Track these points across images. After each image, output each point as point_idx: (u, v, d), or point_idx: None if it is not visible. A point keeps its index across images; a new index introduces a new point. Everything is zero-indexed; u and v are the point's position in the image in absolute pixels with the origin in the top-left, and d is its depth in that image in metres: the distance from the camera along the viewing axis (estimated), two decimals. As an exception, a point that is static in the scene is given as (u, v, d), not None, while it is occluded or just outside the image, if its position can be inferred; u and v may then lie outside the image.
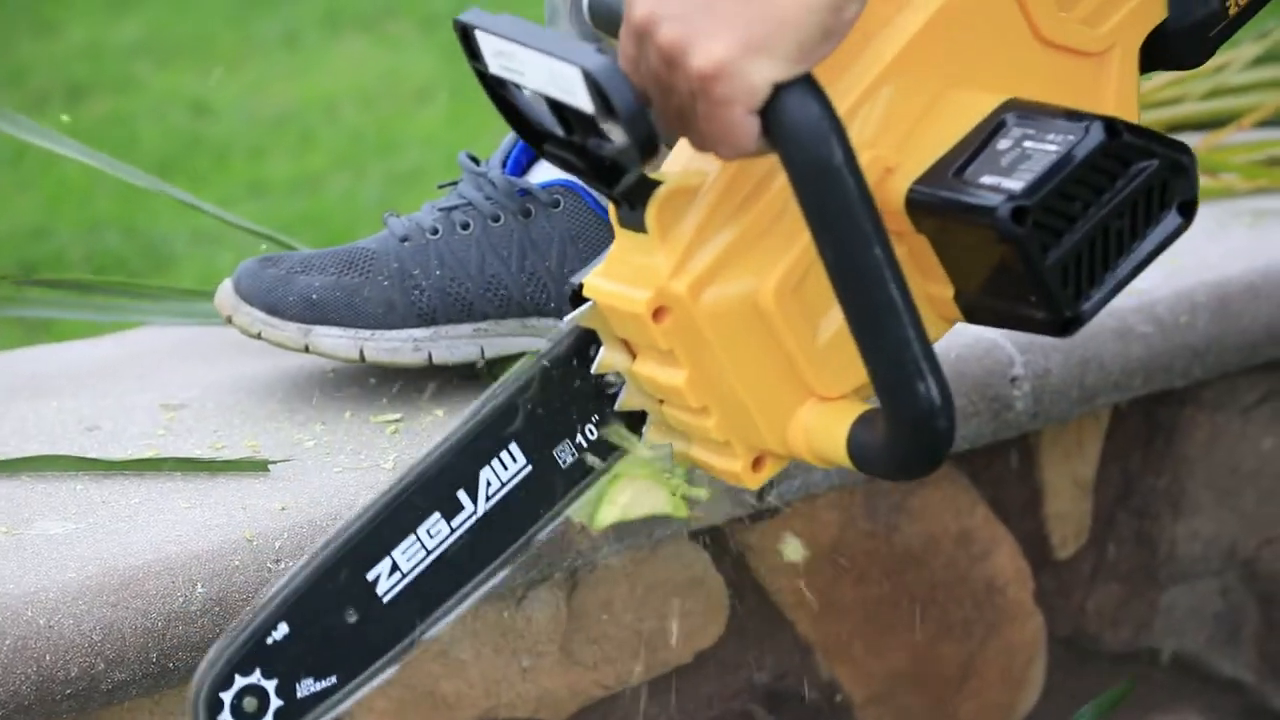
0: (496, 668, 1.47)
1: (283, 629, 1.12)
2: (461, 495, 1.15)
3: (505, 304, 1.50)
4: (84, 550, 1.31)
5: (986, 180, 1.10)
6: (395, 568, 1.14)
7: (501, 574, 1.18)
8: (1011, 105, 1.14)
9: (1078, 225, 1.10)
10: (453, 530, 1.15)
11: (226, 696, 1.11)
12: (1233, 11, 1.24)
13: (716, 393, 1.15)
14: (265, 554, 1.33)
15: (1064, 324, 1.11)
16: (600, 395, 1.20)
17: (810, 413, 1.15)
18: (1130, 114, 1.20)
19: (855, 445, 1.13)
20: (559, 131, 1.12)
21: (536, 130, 1.15)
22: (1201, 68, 1.27)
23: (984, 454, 1.67)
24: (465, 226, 1.51)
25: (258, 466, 1.41)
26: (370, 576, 1.14)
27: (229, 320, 1.50)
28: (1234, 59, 2.04)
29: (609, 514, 1.28)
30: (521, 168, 1.54)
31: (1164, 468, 1.79)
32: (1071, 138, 1.10)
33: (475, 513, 1.16)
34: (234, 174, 3.47)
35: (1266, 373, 1.81)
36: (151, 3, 4.40)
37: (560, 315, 1.50)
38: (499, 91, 1.15)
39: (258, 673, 1.11)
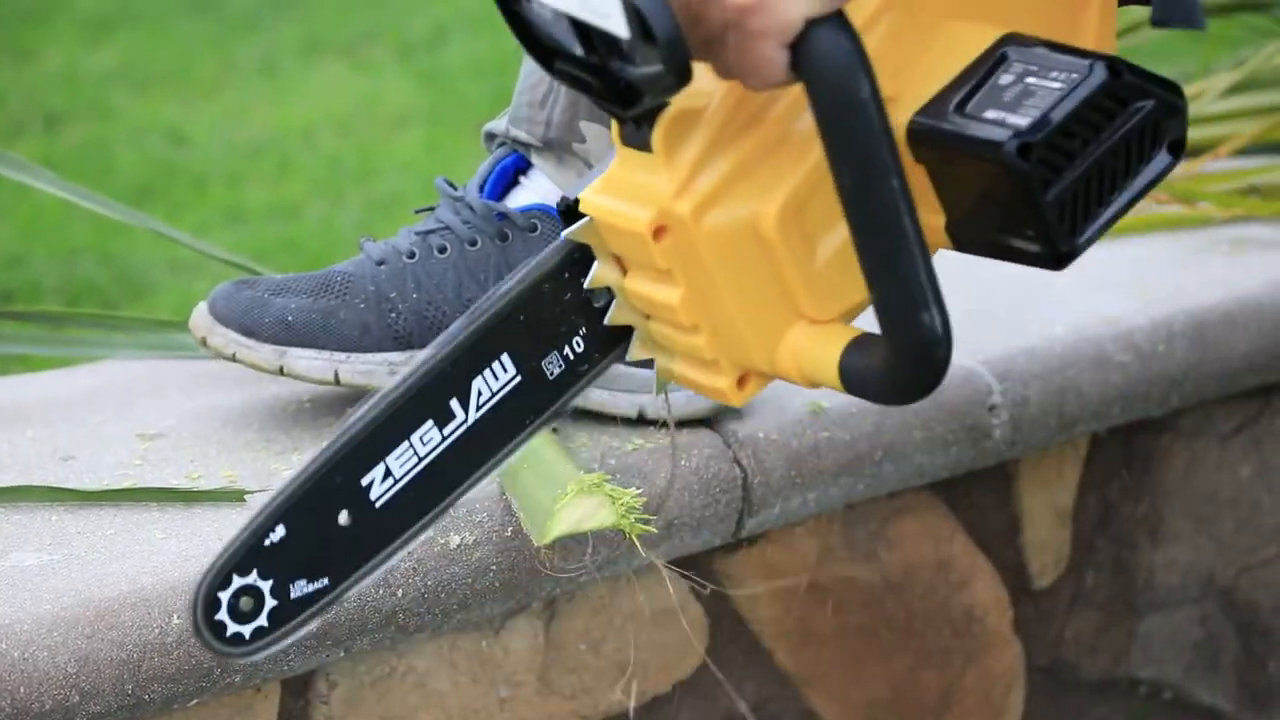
0: (474, 698, 1.47)
1: (280, 531, 1.14)
2: (454, 404, 1.18)
3: None
4: (59, 582, 1.31)
5: (991, 115, 1.12)
6: (389, 473, 1.16)
7: (484, 481, 1.20)
8: (1011, 39, 1.16)
9: (1077, 162, 1.12)
10: (444, 438, 1.18)
11: (224, 596, 1.13)
12: None
13: (709, 312, 1.17)
14: (242, 585, 1.32)
15: (1058, 258, 1.13)
16: (588, 308, 1.22)
17: (800, 334, 1.17)
18: (1111, 24, 1.22)
19: (847, 369, 1.15)
20: (577, 50, 1.13)
21: (546, 46, 1.15)
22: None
23: (962, 482, 1.67)
24: (442, 250, 1.51)
25: (234, 497, 1.41)
26: (365, 481, 1.16)
27: (204, 342, 1.49)
28: (1209, 88, 2.04)
29: (556, 528, 1.33)
30: (499, 192, 1.54)
31: (1142, 496, 1.79)
32: (1075, 75, 1.12)
33: (466, 421, 1.18)
34: (212, 201, 3.46)
35: (1244, 401, 1.82)
36: (128, 30, 4.40)
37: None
38: (510, 5, 1.15)
39: (254, 573, 1.14)
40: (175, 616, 1.30)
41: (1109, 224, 1.14)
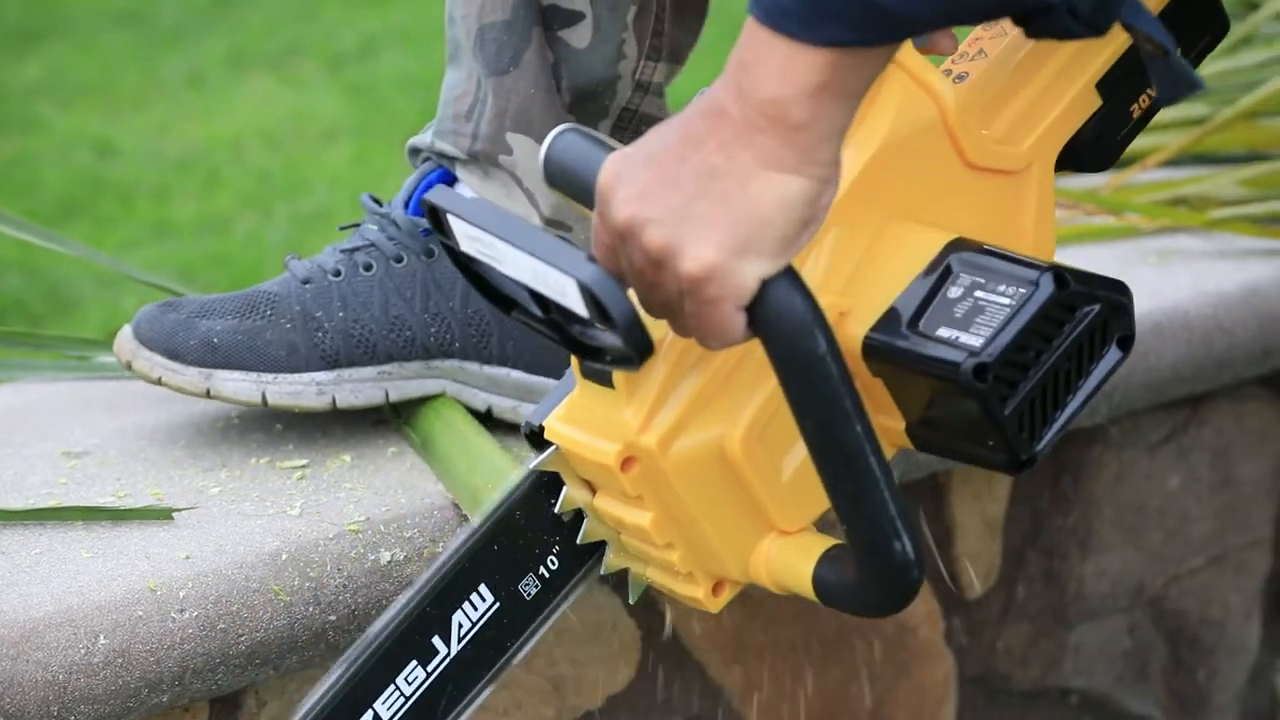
0: (405, 716, 1.46)
1: None
2: (436, 641, 1.21)
3: (409, 345, 1.49)
4: (-17, 602, 1.29)
5: (944, 333, 1.14)
6: (377, 718, 1.19)
7: (474, 705, 1.23)
8: (956, 246, 1.18)
9: (1031, 374, 1.14)
10: (429, 675, 1.21)
11: None
12: (1136, 116, 1.29)
13: (680, 531, 1.20)
14: (169, 604, 1.31)
15: (1019, 465, 1.16)
16: (560, 527, 1.25)
17: (772, 546, 1.20)
18: (1049, 223, 1.24)
19: (821, 582, 1.18)
20: (535, 312, 1.15)
21: (503, 298, 1.18)
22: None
23: (894, 494, 1.67)
24: (368, 268, 1.50)
25: (162, 515, 1.40)
26: None
27: (129, 366, 1.48)
28: (1137, 100, 2.05)
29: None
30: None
31: (1072, 507, 1.80)
32: (1023, 291, 1.14)
33: (449, 654, 1.21)
34: (139, 215, 3.43)
35: (1172, 411, 1.83)
36: (53, 43, 4.36)
37: (464, 355, 1.50)
38: (465, 262, 1.17)
39: None
40: (102, 637, 1.28)
41: (1066, 425, 1.16)
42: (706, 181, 1.06)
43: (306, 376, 1.48)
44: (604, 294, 1.07)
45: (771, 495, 1.19)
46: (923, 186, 1.20)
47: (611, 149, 1.12)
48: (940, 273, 1.16)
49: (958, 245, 1.17)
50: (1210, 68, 2.10)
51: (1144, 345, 1.74)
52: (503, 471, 1.39)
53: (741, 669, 1.62)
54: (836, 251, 1.16)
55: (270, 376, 1.47)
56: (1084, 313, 1.15)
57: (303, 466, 1.47)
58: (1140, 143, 2.02)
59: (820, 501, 1.16)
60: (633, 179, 1.08)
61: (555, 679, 1.52)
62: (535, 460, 1.22)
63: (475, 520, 1.23)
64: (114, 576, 1.32)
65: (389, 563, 1.38)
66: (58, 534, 1.38)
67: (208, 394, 1.47)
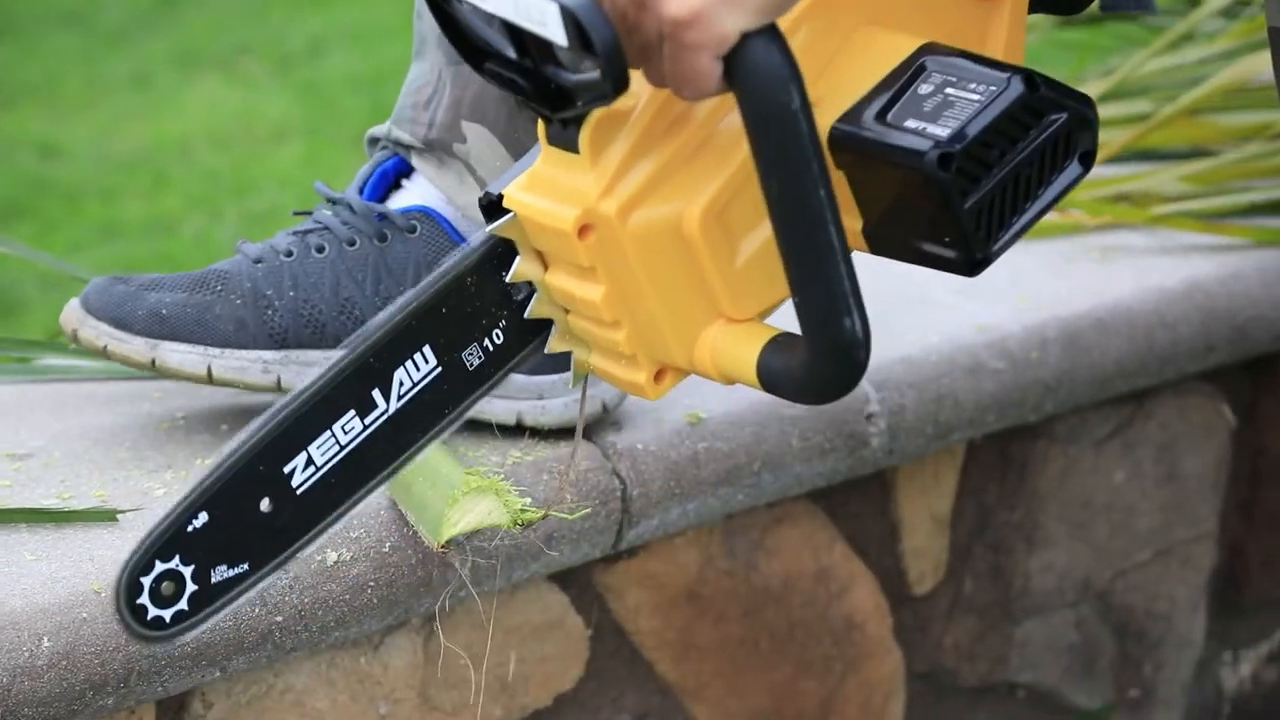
0: (354, 715, 1.46)
1: (202, 517, 1.16)
2: (376, 394, 1.20)
3: (359, 327, 1.49)
4: (-74, 606, 1.28)
5: (911, 124, 1.15)
6: (310, 461, 1.19)
7: (405, 468, 1.23)
8: (929, 49, 1.19)
9: (994, 172, 1.15)
10: (366, 427, 1.20)
11: (146, 580, 1.15)
12: None
13: (629, 308, 1.19)
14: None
15: (973, 264, 1.17)
16: (509, 301, 1.24)
17: (719, 333, 1.20)
18: (1019, 58, 1.25)
19: (765, 369, 1.18)
20: (510, 53, 1.14)
21: (475, 46, 1.17)
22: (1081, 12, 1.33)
23: (841, 491, 1.67)
24: (320, 250, 1.50)
25: (106, 516, 1.39)
26: (287, 469, 1.18)
27: (75, 335, 1.47)
28: (1081, 96, 2.06)
29: (449, 529, 1.36)
30: (379, 195, 1.53)
31: (1018, 502, 1.80)
32: (993, 88, 1.15)
33: (388, 410, 1.21)
34: (86, 217, 3.42)
35: (1117, 406, 1.84)
36: (-2, 43, 4.34)
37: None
38: (440, 4, 1.16)
39: (177, 559, 1.16)
40: (46, 639, 1.28)
41: (1022, 231, 1.18)
42: None
43: (254, 354, 1.47)
44: (587, 18, 1.07)
45: (724, 278, 1.18)
46: None
47: None
48: (913, 71, 1.18)
49: (931, 48, 1.19)
50: (1153, 65, 2.11)
51: (1088, 341, 1.75)
52: (443, 472, 1.39)
53: (690, 667, 1.63)
54: (808, 47, 1.17)
55: (217, 351, 1.47)
56: (1050, 120, 1.16)
57: (248, 467, 1.47)
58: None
59: (771, 294, 1.18)
60: None
61: (503, 678, 1.52)
62: (491, 225, 1.21)
63: (426, 279, 1.22)
64: (58, 579, 1.32)
65: (335, 563, 1.38)
66: (1, 536, 1.37)
67: (153, 365, 1.46)
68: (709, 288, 1.19)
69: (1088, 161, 1.19)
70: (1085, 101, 1.18)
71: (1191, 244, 1.88)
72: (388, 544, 1.40)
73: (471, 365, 1.23)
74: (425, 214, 1.51)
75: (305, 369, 1.48)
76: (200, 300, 1.47)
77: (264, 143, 3.78)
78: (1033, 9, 1.27)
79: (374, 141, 1.56)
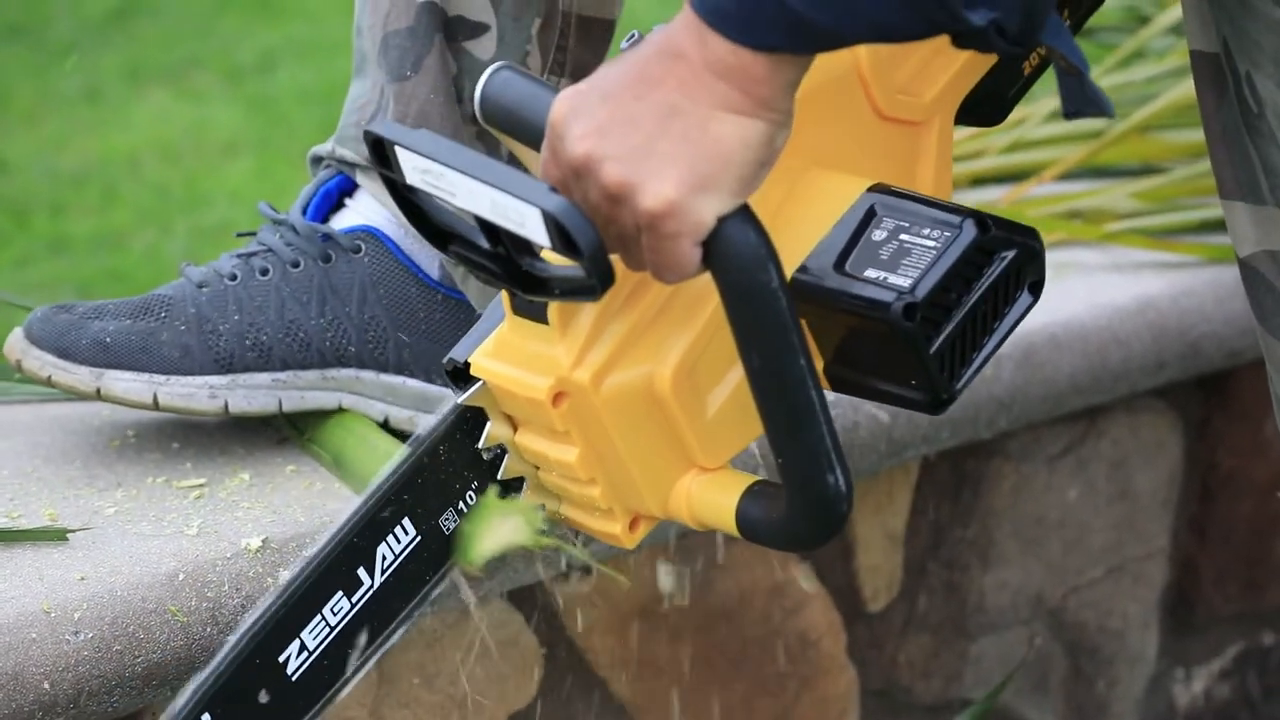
0: (306, 736, 1.44)
1: (205, 719, 1.19)
2: (361, 572, 1.23)
3: (305, 350, 1.48)
4: (-128, 626, 1.27)
5: (871, 274, 1.18)
6: (304, 647, 1.21)
7: (398, 633, 1.25)
8: (876, 190, 1.21)
9: (954, 314, 1.19)
10: (353, 605, 1.23)
11: None
12: (1027, 72, 1.32)
13: (604, 466, 1.22)
14: (64, 626, 1.30)
15: (938, 404, 1.20)
16: (479, 463, 1.26)
17: (694, 482, 1.22)
18: (948, 174, 1.29)
19: (744, 518, 1.20)
20: (482, 244, 1.16)
21: (438, 229, 1.18)
22: (1003, 123, 1.35)
23: (795, 508, 1.67)
24: (264, 273, 1.50)
25: (56, 535, 1.38)
26: (281, 659, 1.20)
27: (18, 365, 1.46)
28: (1033, 113, 2.07)
29: (483, 549, 1.34)
30: (323, 214, 1.53)
31: (972, 519, 1.81)
32: (947, 234, 1.18)
33: (373, 586, 1.23)
34: (34, 232, 3.39)
35: (1070, 423, 1.84)
36: (-55, 56, 4.31)
37: (360, 363, 1.49)
38: (406, 196, 1.17)
39: None
40: (-6, 660, 1.26)
41: (982, 366, 1.21)
42: (666, 120, 1.08)
43: (200, 380, 1.47)
44: (571, 224, 1.08)
45: (695, 431, 1.21)
46: (838, 134, 1.23)
47: (552, 87, 1.14)
48: (864, 216, 1.20)
49: (877, 189, 1.21)
50: (1103, 82, 2.12)
51: (1041, 357, 1.75)
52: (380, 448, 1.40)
53: (644, 685, 1.62)
54: (758, 198, 1.17)
55: (163, 378, 1.46)
56: (1001, 257, 1.19)
57: (200, 485, 1.46)
58: (1036, 156, 2.05)
59: (740, 439, 1.21)
60: (589, 115, 1.09)
61: (458, 697, 1.52)
62: (461, 396, 1.23)
63: (399, 455, 1.24)
64: (7, 598, 1.30)
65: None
66: (-51, 556, 1.36)
67: (98, 394, 1.45)
68: (681, 441, 1.21)
69: (1037, 291, 1.22)
70: (1031, 234, 1.21)
71: (1143, 261, 1.89)
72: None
73: (448, 530, 1.26)
74: (370, 234, 1.51)
75: (252, 392, 1.47)
76: (144, 327, 1.46)
77: (214, 157, 3.76)
78: (957, 122, 1.30)
79: (318, 160, 1.55)
